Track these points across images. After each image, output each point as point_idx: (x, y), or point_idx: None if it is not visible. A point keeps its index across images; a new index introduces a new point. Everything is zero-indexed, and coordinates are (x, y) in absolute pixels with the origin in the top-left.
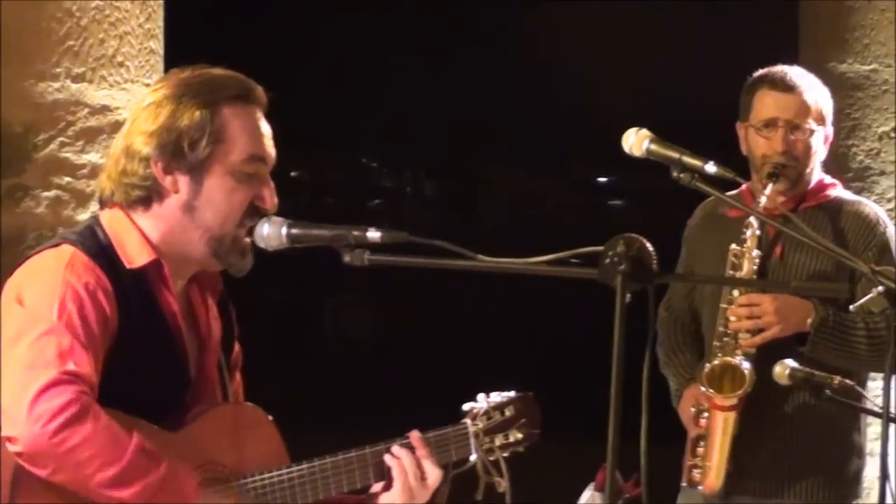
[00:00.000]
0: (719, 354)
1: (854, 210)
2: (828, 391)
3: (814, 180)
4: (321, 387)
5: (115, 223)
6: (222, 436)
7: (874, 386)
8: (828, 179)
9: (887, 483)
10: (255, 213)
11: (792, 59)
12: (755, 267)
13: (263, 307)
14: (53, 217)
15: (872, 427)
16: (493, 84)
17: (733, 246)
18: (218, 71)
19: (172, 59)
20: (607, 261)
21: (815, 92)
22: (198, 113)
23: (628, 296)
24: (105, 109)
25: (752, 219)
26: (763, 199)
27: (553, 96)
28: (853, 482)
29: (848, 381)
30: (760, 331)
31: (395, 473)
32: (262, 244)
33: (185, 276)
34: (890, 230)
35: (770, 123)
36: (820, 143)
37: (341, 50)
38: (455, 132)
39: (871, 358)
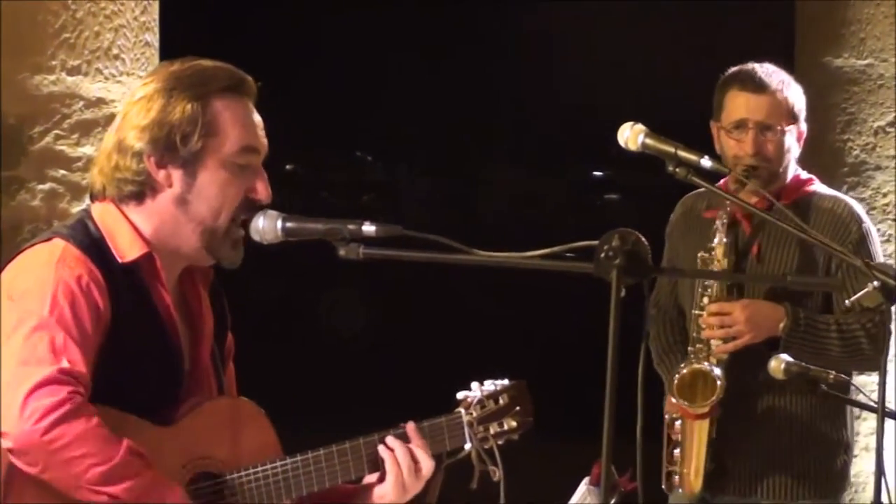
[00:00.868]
0: (692, 360)
1: (830, 206)
2: (823, 386)
3: (789, 177)
4: (315, 380)
5: (106, 217)
6: (216, 430)
7: (870, 380)
8: (804, 175)
9: (882, 478)
10: (249, 205)
11: (789, 55)
12: (725, 268)
13: (257, 301)
14: (49, 210)
15: (868, 422)
16: (493, 84)
17: (701, 253)
18: (208, 63)
19: (168, 52)
20: (602, 255)
21: (785, 90)
22: (189, 106)
23: (623, 290)
24: (100, 102)
25: (717, 223)
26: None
27: (553, 96)
28: (839, 477)
29: (843, 375)
30: (734, 338)
31: (389, 464)
32: (257, 237)
33: (177, 269)
34: (867, 225)
35: (740, 125)
36: (793, 140)
37: (340, 48)
38: (455, 132)
39: (844, 358)
